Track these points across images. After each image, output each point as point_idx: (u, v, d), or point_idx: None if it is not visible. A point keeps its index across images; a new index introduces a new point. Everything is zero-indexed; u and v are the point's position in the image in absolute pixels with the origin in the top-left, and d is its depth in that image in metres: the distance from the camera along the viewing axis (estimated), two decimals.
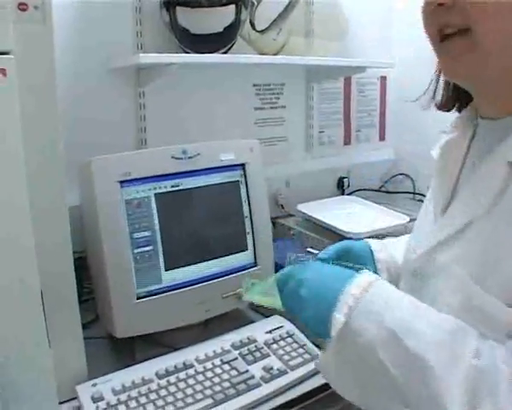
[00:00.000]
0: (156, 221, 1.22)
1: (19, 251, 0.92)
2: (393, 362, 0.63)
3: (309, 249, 1.28)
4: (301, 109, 2.10)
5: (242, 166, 1.34)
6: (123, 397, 1.04)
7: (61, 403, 1.03)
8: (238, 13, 1.61)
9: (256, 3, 1.63)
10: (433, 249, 0.77)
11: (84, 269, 1.31)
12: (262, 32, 1.65)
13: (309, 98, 2.09)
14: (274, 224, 1.82)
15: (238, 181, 1.34)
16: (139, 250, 1.20)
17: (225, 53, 1.63)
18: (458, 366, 0.60)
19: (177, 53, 1.58)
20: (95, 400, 1.03)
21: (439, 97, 0.88)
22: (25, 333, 0.94)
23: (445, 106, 0.89)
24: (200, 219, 1.29)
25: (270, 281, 0.86)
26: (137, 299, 1.20)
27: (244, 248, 1.36)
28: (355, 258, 0.98)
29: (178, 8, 1.57)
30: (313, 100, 2.10)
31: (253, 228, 1.36)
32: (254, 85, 1.94)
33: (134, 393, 1.05)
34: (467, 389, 0.58)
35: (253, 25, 1.65)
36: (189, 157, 1.26)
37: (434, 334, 0.63)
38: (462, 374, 0.59)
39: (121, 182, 1.18)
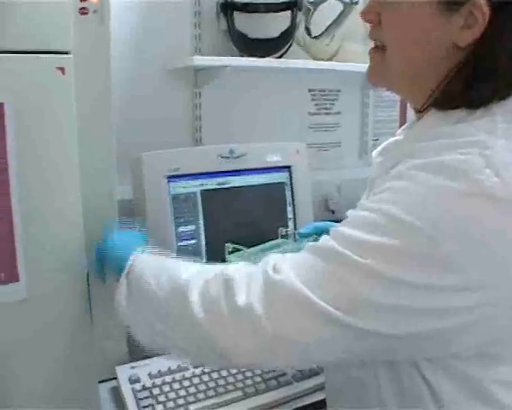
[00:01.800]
0: (201, 217, 1.27)
1: (70, 235, 1.00)
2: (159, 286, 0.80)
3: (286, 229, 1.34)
4: (356, 116, 2.11)
5: (288, 168, 1.38)
6: (158, 381, 1.09)
7: (100, 382, 1.09)
8: (294, 18, 1.65)
9: (312, 9, 1.66)
10: None
11: None
12: (316, 38, 1.68)
13: (364, 105, 2.10)
14: None
15: (283, 183, 1.38)
16: (183, 243, 1.26)
17: (280, 57, 1.67)
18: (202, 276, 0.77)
19: (233, 56, 1.63)
20: (132, 381, 1.09)
21: None
22: (69, 310, 1.01)
23: None
24: (243, 218, 1.33)
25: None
26: None
27: None
28: None
29: (236, 13, 1.62)
30: (369, 107, 2.11)
31: (295, 229, 1.39)
32: (310, 91, 1.96)
33: (168, 378, 1.10)
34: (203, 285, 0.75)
35: (308, 30, 1.68)
36: (236, 157, 1.30)
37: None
38: (204, 279, 0.76)
39: (169, 177, 1.24)
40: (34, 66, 0.95)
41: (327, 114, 2.02)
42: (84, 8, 1.03)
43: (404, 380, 0.74)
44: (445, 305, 0.63)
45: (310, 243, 0.72)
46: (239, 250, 1.18)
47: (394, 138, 0.89)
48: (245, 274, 0.73)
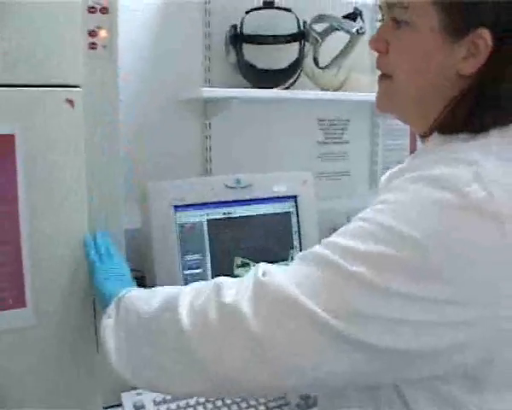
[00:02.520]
0: (207, 246, 1.29)
1: (77, 263, 1.03)
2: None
3: None
4: (365, 145, 2.12)
5: (294, 197, 1.39)
6: (162, 408, 1.10)
7: (105, 408, 1.10)
8: (302, 49, 1.69)
9: (320, 40, 1.69)
10: None
11: (144, 287, 1.39)
12: (323, 68, 1.70)
13: (374, 134, 2.11)
14: None
15: (289, 212, 1.39)
16: (189, 272, 1.27)
17: (289, 87, 1.70)
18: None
19: (242, 87, 1.66)
20: (137, 408, 1.10)
21: None
22: (75, 336, 1.04)
23: None
24: (249, 247, 1.35)
25: None
26: None
27: None
28: None
29: (244, 45, 1.66)
30: (378, 136, 2.12)
31: None
32: (319, 120, 1.99)
33: (173, 406, 1.11)
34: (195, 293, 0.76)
35: (316, 61, 1.71)
36: (243, 187, 1.32)
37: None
38: (195, 289, 0.77)
39: (176, 206, 1.26)
40: (44, 99, 0.99)
41: (336, 143, 2.04)
42: (93, 43, 1.07)
43: (383, 403, 0.73)
44: (435, 318, 0.63)
45: (300, 253, 0.72)
46: (248, 264, 1.18)
47: (399, 166, 0.90)
48: (236, 279, 0.75)
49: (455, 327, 0.63)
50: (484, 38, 0.69)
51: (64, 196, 1.01)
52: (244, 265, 1.25)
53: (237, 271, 1.23)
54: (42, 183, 0.99)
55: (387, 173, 0.91)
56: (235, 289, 0.71)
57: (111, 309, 0.89)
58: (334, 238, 0.69)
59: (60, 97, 1.00)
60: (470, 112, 0.72)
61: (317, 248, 0.69)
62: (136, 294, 0.89)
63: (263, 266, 0.73)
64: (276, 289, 0.67)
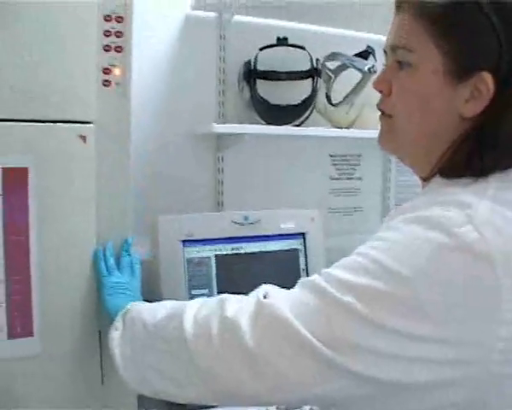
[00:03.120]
0: (214, 281, 1.30)
1: (84, 295, 1.05)
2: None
3: None
4: (378, 181, 2.12)
5: (302, 235, 1.40)
6: None
7: None
8: (314, 86, 1.71)
9: (333, 78, 1.71)
10: None
11: None
12: (336, 105, 1.72)
13: (386, 170, 2.12)
14: None
15: (297, 249, 1.39)
16: None
17: (301, 123, 1.71)
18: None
19: (255, 123, 1.68)
20: None
21: None
22: (80, 367, 1.05)
23: None
24: (256, 283, 1.33)
25: None
26: None
27: None
28: None
29: (258, 81, 1.68)
30: (390, 172, 2.12)
31: None
32: (331, 156, 2.00)
33: None
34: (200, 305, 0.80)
35: (328, 98, 1.72)
36: (251, 223, 1.33)
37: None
38: (201, 302, 0.82)
39: (184, 241, 1.27)
40: (57, 134, 1.01)
41: (348, 178, 2.04)
42: (107, 80, 1.09)
43: None
44: (421, 355, 0.64)
45: (301, 279, 0.75)
46: None
47: (401, 205, 0.91)
48: (240, 297, 0.79)
49: (444, 365, 0.64)
50: (486, 81, 0.70)
51: (73, 230, 1.04)
52: None
53: None
54: (52, 216, 1.01)
55: (392, 211, 0.92)
56: (238, 306, 0.75)
57: (118, 321, 0.94)
58: (331, 270, 0.72)
59: (73, 133, 1.02)
60: (470, 155, 0.72)
61: (316, 277, 0.72)
62: (142, 306, 0.94)
63: (265, 287, 0.78)
64: (273, 311, 0.70)
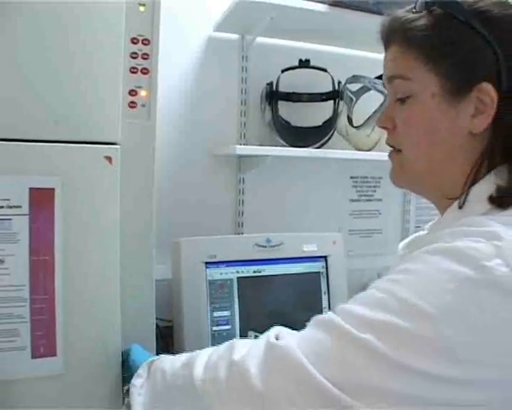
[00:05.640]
0: (236, 303, 1.29)
1: (108, 316, 1.04)
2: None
3: None
4: (398, 203, 2.11)
5: (324, 258, 1.39)
6: None
7: None
8: (336, 109, 1.71)
9: (354, 100, 1.71)
10: None
11: (171, 337, 1.40)
12: (357, 127, 1.71)
13: (406, 192, 2.10)
14: None
15: (319, 272, 1.39)
16: (218, 328, 1.27)
17: (322, 145, 1.71)
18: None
19: (277, 144, 1.68)
20: None
21: None
22: (102, 390, 1.04)
23: None
24: (278, 306, 1.34)
25: None
26: None
27: None
28: None
29: (280, 103, 1.69)
30: (410, 194, 2.11)
31: None
32: (351, 178, 1.99)
33: None
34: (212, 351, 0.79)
35: (350, 120, 1.72)
36: (273, 246, 1.33)
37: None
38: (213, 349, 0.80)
39: (206, 263, 1.27)
40: (84, 155, 1.02)
41: (368, 200, 2.03)
42: (133, 101, 1.10)
43: None
44: (447, 398, 0.59)
45: (315, 317, 0.71)
46: None
47: (422, 232, 0.89)
48: (250, 340, 0.76)
49: (469, 408, 0.60)
50: (487, 91, 0.69)
51: (98, 250, 1.04)
52: None
53: None
54: (77, 236, 1.01)
55: (410, 237, 0.91)
56: (247, 349, 0.72)
57: (142, 369, 0.92)
58: (347, 305, 0.67)
59: (99, 154, 1.03)
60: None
61: (331, 315, 0.67)
62: (167, 357, 0.92)
63: (277, 328, 0.73)
64: (284, 352, 0.66)
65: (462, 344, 0.59)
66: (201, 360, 0.78)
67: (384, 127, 0.81)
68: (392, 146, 0.82)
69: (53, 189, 0.99)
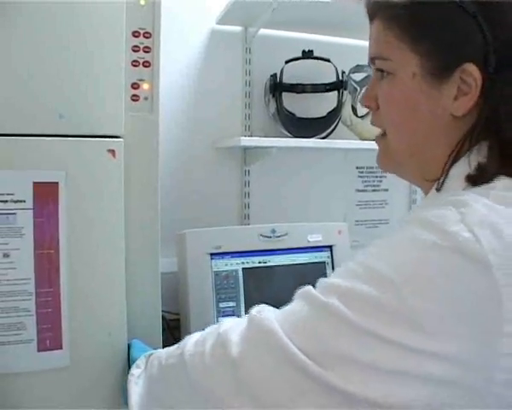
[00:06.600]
0: (242, 294, 1.30)
1: (113, 308, 1.05)
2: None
3: None
4: (404, 193, 2.10)
5: (330, 247, 1.39)
6: None
7: None
8: (340, 99, 1.70)
9: (359, 89, 1.70)
10: None
11: (178, 330, 1.40)
12: (362, 117, 1.71)
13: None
14: None
15: (324, 262, 1.39)
16: (223, 319, 1.27)
17: (327, 136, 1.71)
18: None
19: (281, 136, 1.69)
20: None
21: None
22: (106, 384, 1.04)
23: None
24: (283, 296, 1.33)
25: None
26: None
27: None
28: None
29: (284, 94, 1.69)
30: None
31: None
32: (357, 168, 1.99)
33: None
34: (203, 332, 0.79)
35: (354, 110, 1.72)
36: (277, 236, 1.33)
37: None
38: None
39: (211, 254, 1.27)
40: (87, 149, 1.02)
41: (374, 191, 2.03)
42: (135, 95, 1.10)
43: None
44: (410, 369, 0.56)
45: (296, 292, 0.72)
46: None
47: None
48: (238, 318, 0.78)
49: (434, 384, 0.56)
50: (471, 73, 0.67)
51: (102, 243, 1.04)
52: None
53: None
54: (82, 230, 1.02)
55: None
56: (233, 323, 0.74)
57: (140, 360, 0.94)
58: (326, 278, 0.67)
59: (102, 147, 1.03)
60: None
61: (309, 286, 0.68)
62: (165, 349, 0.92)
63: (261, 305, 0.74)
64: (260, 322, 0.67)
65: (428, 314, 0.56)
66: (193, 338, 0.81)
67: (368, 106, 0.80)
68: (376, 127, 0.80)
69: (57, 183, 1.00)
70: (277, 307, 0.70)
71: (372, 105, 0.78)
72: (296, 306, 0.67)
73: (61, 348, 1.00)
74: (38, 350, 0.98)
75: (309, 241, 1.37)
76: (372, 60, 0.77)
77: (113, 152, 1.04)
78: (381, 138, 0.80)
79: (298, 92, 1.74)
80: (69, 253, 1.00)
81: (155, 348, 0.98)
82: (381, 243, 0.66)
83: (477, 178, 0.67)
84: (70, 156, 1.01)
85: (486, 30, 0.66)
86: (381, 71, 0.75)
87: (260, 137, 1.68)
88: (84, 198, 1.02)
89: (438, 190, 0.71)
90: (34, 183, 0.98)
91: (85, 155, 1.02)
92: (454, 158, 0.70)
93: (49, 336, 0.99)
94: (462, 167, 0.69)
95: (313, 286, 0.67)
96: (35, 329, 0.98)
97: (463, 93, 0.68)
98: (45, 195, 0.99)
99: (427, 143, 0.73)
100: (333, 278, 0.66)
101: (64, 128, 1.00)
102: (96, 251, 1.03)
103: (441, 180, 0.71)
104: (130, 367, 0.98)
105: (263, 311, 0.71)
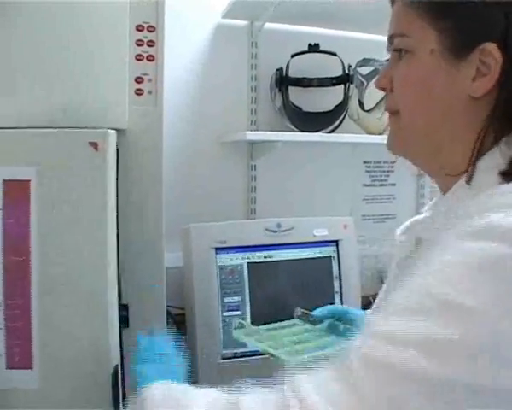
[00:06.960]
0: (247, 288, 1.30)
1: (91, 325, 0.92)
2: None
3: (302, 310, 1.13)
4: (412, 188, 2.09)
5: (336, 242, 1.38)
6: None
7: None
8: (347, 93, 1.69)
9: (365, 83, 1.69)
10: None
11: (183, 324, 1.40)
12: (369, 111, 1.70)
13: (420, 176, 2.08)
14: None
15: (330, 257, 1.38)
16: (228, 314, 1.28)
17: (334, 130, 1.70)
18: None
19: (287, 130, 1.68)
20: None
21: None
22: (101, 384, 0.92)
23: None
24: (289, 291, 1.34)
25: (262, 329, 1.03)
26: (222, 359, 1.27)
27: None
28: (348, 321, 1.05)
29: (290, 88, 1.68)
30: (425, 178, 2.08)
31: (342, 304, 1.38)
32: (364, 162, 1.97)
33: None
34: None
35: (361, 104, 1.71)
36: (283, 230, 1.32)
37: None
38: None
39: (216, 249, 1.27)
40: (64, 141, 0.92)
41: (382, 185, 2.02)
42: (139, 89, 1.10)
43: None
44: None
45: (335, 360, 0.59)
46: (308, 315, 1.10)
47: (420, 216, 0.81)
48: (257, 397, 0.61)
49: None
50: (491, 52, 0.64)
51: (83, 247, 0.91)
52: (303, 316, 1.11)
53: (296, 321, 1.11)
54: (58, 232, 0.90)
55: (406, 223, 0.82)
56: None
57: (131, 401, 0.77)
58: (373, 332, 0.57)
59: (82, 140, 0.91)
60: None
61: (352, 358, 0.55)
62: (157, 398, 0.72)
63: (294, 381, 0.60)
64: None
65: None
66: None
67: (382, 88, 0.77)
68: (389, 110, 0.76)
69: (28, 180, 0.89)
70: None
71: (386, 86, 0.75)
72: (359, 381, 0.53)
73: (30, 367, 0.89)
74: (7, 367, 0.89)
75: (315, 235, 1.36)
76: (391, 39, 0.74)
77: (95, 145, 0.91)
78: (393, 117, 0.76)
79: (304, 86, 1.73)
80: (42, 260, 0.89)
81: (162, 348, 0.88)
82: (448, 265, 0.55)
83: None
84: (44, 150, 0.90)
85: (508, 11, 0.64)
86: (399, 51, 0.72)
87: (266, 131, 1.67)
88: (60, 198, 0.90)
89: (467, 182, 0.65)
90: (4, 180, 0.88)
91: (62, 149, 0.91)
92: (479, 149, 0.67)
93: (19, 352, 0.89)
94: (493, 161, 0.65)
95: None
96: (4, 344, 0.88)
97: (482, 74, 0.65)
98: (16, 194, 0.88)
99: (444, 126, 0.70)
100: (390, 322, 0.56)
101: (67, 122, 0.99)
102: (74, 258, 0.90)
103: (469, 173, 0.66)
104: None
105: (298, 389, 0.57)
